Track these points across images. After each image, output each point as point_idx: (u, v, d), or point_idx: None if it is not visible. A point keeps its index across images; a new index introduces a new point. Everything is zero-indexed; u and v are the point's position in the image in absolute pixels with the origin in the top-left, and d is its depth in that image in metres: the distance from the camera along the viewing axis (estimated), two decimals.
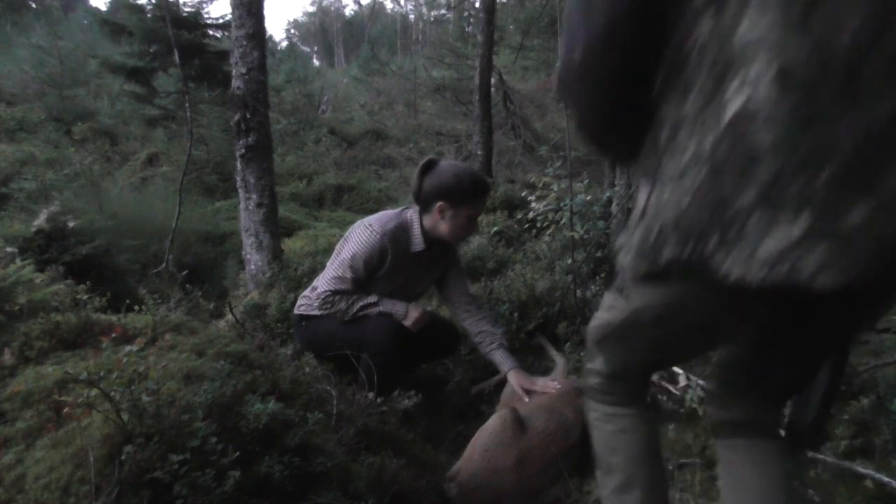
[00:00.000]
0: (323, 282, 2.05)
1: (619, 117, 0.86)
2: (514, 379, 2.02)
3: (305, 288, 2.30)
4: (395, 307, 2.03)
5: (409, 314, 2.02)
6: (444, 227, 2.01)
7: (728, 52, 0.70)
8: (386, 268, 2.03)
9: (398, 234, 2.02)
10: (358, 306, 2.02)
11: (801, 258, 0.70)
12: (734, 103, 0.70)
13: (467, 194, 1.96)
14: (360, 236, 2.00)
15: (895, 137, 0.65)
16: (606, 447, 1.18)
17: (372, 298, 2.03)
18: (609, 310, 1.07)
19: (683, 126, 0.75)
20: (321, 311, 2.05)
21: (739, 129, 0.69)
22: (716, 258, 0.74)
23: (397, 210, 2.10)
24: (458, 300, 2.23)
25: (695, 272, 0.77)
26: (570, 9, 0.81)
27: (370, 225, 2.01)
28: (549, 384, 1.96)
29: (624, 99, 0.83)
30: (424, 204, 2.02)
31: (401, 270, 2.06)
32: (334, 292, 2.01)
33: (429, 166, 2.01)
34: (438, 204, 1.97)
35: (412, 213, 2.07)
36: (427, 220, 2.03)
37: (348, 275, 2.00)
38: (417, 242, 2.04)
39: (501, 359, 2.08)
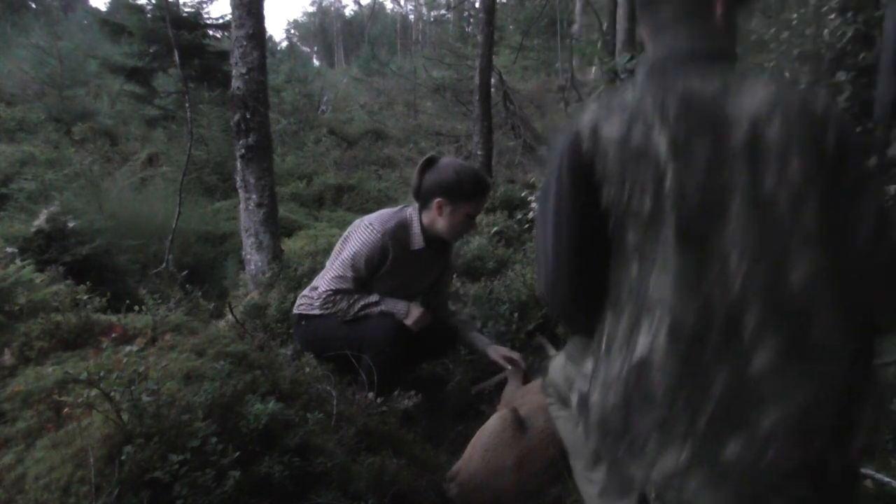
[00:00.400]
0: (324, 281, 2.05)
1: (580, 311, 1.07)
2: (493, 352, 2.14)
3: (305, 288, 2.30)
4: (396, 306, 2.03)
5: (411, 313, 2.02)
6: (442, 224, 2.01)
7: (643, 299, 0.91)
8: (387, 266, 2.03)
9: (398, 233, 2.02)
10: (359, 305, 2.01)
11: (684, 482, 0.88)
12: (640, 347, 0.91)
13: (467, 191, 1.97)
14: (360, 235, 2.01)
15: (766, 384, 0.84)
16: (572, 436, 1.33)
17: (373, 298, 2.03)
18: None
19: (614, 345, 0.96)
20: (322, 311, 2.05)
21: (642, 370, 0.90)
22: (624, 462, 0.94)
23: (396, 209, 2.11)
24: (437, 305, 2.27)
25: (611, 466, 0.99)
26: (537, 247, 1.05)
27: (371, 224, 2.01)
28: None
29: (581, 303, 1.05)
30: (424, 200, 2.02)
31: (401, 269, 2.06)
32: (336, 291, 2.01)
33: (429, 163, 2.02)
34: (437, 200, 1.97)
35: (411, 212, 2.07)
36: (426, 218, 2.04)
37: (350, 274, 2.00)
38: (417, 241, 2.05)
39: (478, 339, 2.23)
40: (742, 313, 0.86)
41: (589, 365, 1.04)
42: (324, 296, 2.02)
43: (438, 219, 2.01)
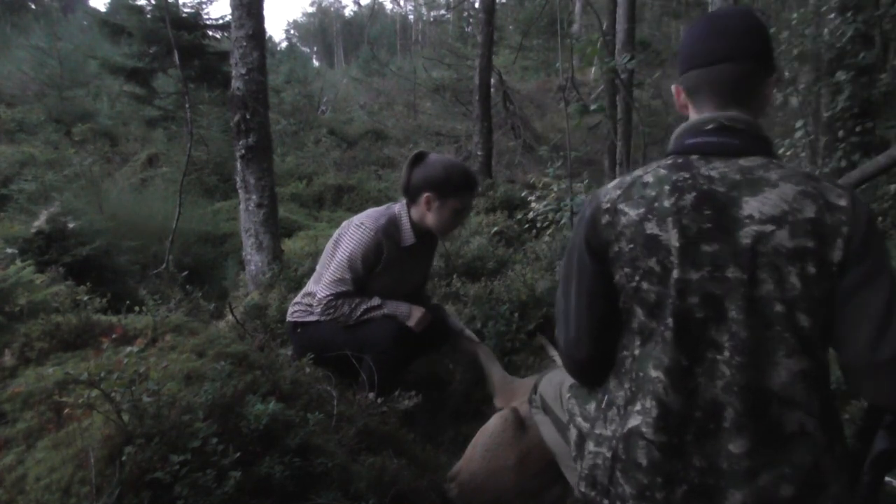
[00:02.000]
0: (322, 286, 2.01)
1: (597, 368, 1.14)
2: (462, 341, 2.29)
3: (297, 294, 2.28)
4: (398, 309, 2.02)
5: (413, 315, 2.02)
6: (430, 219, 2.02)
7: (640, 378, 1.00)
8: (382, 264, 2.02)
9: (390, 229, 2.03)
10: (361, 310, 1.99)
11: None
12: (632, 420, 1.00)
13: (455, 186, 1.98)
14: (353, 236, 1.99)
15: (739, 466, 0.92)
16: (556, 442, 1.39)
17: (375, 301, 2.01)
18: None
19: (612, 408, 1.05)
20: (324, 317, 2.02)
21: (631, 441, 0.99)
22: None
23: (384, 207, 2.12)
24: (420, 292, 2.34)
25: None
26: (557, 304, 1.15)
27: (362, 223, 2.01)
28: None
29: (598, 361, 1.12)
30: (412, 196, 2.03)
31: (395, 265, 2.06)
32: (336, 296, 1.98)
33: (418, 159, 2.03)
34: (426, 195, 1.99)
35: (400, 208, 2.08)
36: (415, 213, 2.05)
37: (348, 276, 1.98)
38: (408, 237, 2.06)
39: (451, 323, 2.33)
40: (725, 405, 0.94)
41: (592, 407, 1.12)
42: (325, 301, 1.98)
43: (427, 214, 2.02)
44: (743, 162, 0.99)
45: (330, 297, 1.98)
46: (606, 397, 1.08)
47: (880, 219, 3.42)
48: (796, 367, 0.93)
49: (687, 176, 0.99)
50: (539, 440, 1.65)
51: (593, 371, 1.13)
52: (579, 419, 1.15)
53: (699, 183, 0.98)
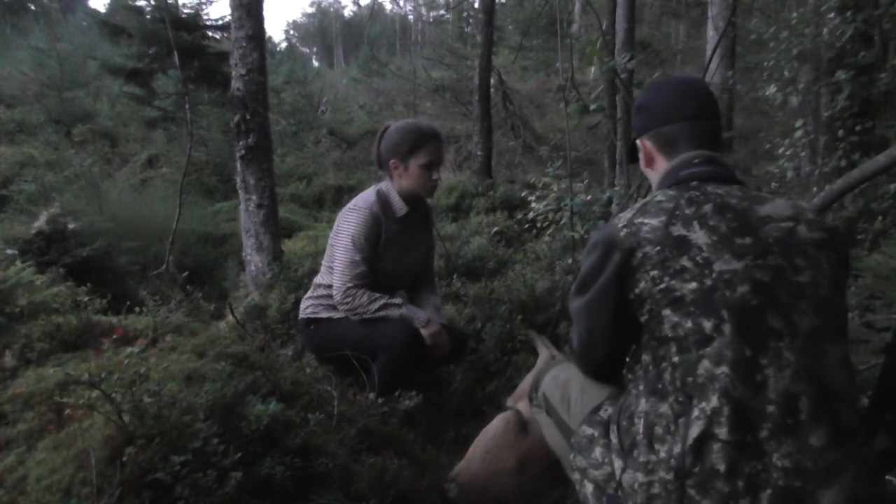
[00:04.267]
0: (337, 275, 2.02)
1: (611, 371, 1.22)
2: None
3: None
4: (416, 313, 2.03)
5: (430, 325, 2.01)
6: (405, 184, 2.09)
7: (691, 383, 0.96)
8: (384, 237, 2.06)
9: (383, 205, 2.08)
10: (380, 304, 2.00)
11: None
12: (695, 428, 0.93)
13: (409, 145, 2.04)
14: (351, 219, 2.04)
15: (823, 462, 0.88)
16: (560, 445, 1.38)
17: (396, 300, 2.03)
18: None
19: (657, 429, 0.99)
20: (342, 307, 2.02)
21: (703, 448, 0.92)
22: None
23: (370, 188, 2.16)
24: (424, 283, 2.33)
25: None
26: (576, 316, 1.19)
27: (355, 206, 2.06)
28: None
29: (613, 364, 1.19)
30: (385, 168, 2.11)
31: (397, 239, 2.11)
32: (355, 279, 1.99)
33: (384, 132, 2.10)
34: (391, 162, 2.07)
35: (385, 184, 2.14)
36: (396, 184, 2.11)
37: (358, 257, 2.00)
38: (399, 207, 2.11)
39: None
40: (798, 395, 0.92)
41: (613, 438, 1.09)
42: (343, 290, 1.99)
43: (400, 180, 2.09)
44: (734, 187, 1.09)
45: (349, 285, 1.99)
46: (643, 422, 1.02)
47: (880, 218, 3.41)
48: (841, 352, 0.97)
49: (698, 193, 1.06)
50: (541, 442, 1.65)
51: (609, 371, 1.17)
52: (595, 472, 1.11)
53: (711, 197, 1.05)
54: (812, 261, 0.99)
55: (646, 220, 1.04)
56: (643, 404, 1.03)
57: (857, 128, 3.95)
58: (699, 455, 0.93)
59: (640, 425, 1.02)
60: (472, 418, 2.15)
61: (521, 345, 2.58)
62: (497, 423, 1.69)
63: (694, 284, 0.97)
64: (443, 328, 2.06)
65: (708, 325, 0.96)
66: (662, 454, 0.97)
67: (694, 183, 1.09)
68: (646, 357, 1.06)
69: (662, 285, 1.00)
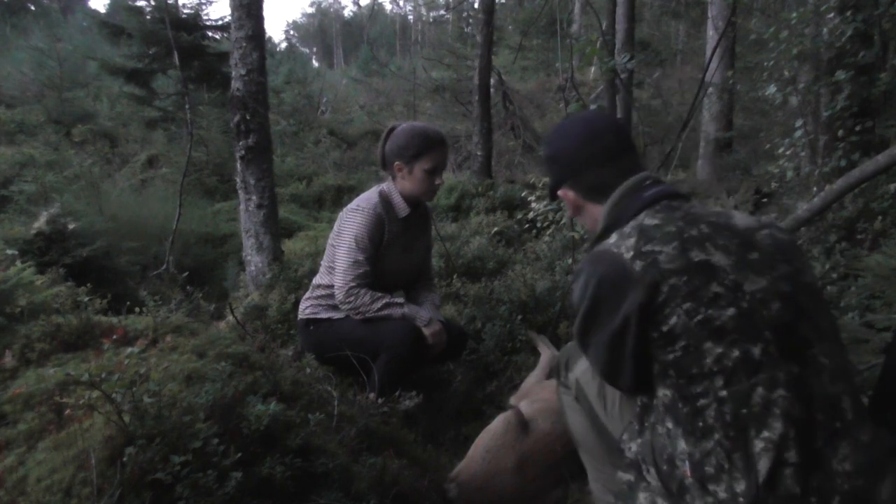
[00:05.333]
0: (339, 275, 2.02)
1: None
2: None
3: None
4: (418, 312, 2.03)
5: (432, 323, 2.01)
6: (408, 186, 2.09)
7: (745, 415, 0.91)
8: (386, 237, 2.07)
9: (385, 205, 2.09)
10: (382, 303, 2.00)
11: None
12: (765, 461, 0.89)
13: (416, 149, 2.03)
14: (354, 219, 2.04)
15: (874, 455, 0.89)
16: (583, 431, 1.37)
17: (399, 299, 2.04)
18: None
19: (708, 465, 0.93)
20: (344, 306, 2.02)
21: (779, 476, 0.89)
22: None
23: (372, 189, 2.16)
24: (423, 280, 2.33)
25: None
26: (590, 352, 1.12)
27: (358, 206, 2.06)
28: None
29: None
30: (388, 169, 2.11)
31: (399, 239, 2.11)
32: (357, 279, 1.99)
33: (390, 132, 2.10)
34: (396, 164, 2.07)
35: (387, 185, 2.14)
36: (398, 185, 2.12)
37: (361, 256, 2.00)
38: (402, 208, 2.12)
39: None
40: (840, 396, 0.93)
41: (652, 481, 1.03)
42: (345, 289, 1.99)
43: (403, 182, 2.09)
44: (694, 202, 1.09)
45: (351, 284, 1.99)
46: (686, 465, 0.96)
47: (880, 218, 3.41)
48: (843, 348, 0.99)
49: (683, 213, 1.03)
50: (543, 444, 1.65)
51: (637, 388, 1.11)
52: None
53: (698, 215, 1.02)
54: (802, 261, 1.01)
55: (658, 248, 0.97)
56: (682, 445, 0.97)
57: (857, 128, 3.95)
58: (776, 484, 0.89)
59: (685, 468, 0.96)
60: (472, 418, 2.15)
61: (521, 345, 2.58)
62: (497, 423, 1.69)
63: (732, 310, 0.93)
64: (443, 329, 2.06)
65: (756, 350, 0.92)
66: (722, 494, 0.92)
67: (664, 202, 1.05)
68: (666, 393, 0.99)
69: (700, 317, 0.93)
